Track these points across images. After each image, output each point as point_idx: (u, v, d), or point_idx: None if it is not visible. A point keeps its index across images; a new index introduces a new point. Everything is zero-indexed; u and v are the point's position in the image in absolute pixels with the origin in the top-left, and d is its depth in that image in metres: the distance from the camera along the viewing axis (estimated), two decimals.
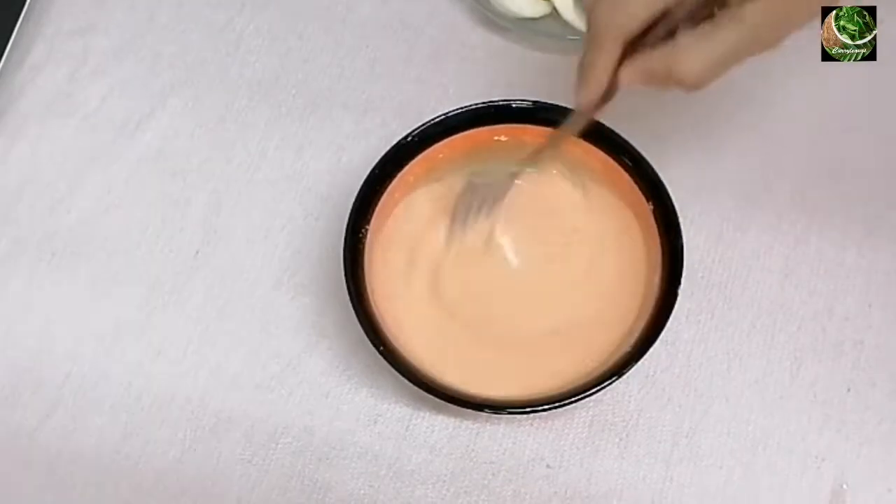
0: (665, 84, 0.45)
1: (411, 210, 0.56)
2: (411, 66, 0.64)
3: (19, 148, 0.62)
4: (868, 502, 0.52)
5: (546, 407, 0.48)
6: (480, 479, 0.53)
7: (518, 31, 0.63)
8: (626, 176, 0.53)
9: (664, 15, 0.45)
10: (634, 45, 0.46)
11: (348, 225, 0.52)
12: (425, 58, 0.64)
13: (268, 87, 0.64)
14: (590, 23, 0.46)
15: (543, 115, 0.54)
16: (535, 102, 0.54)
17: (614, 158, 0.53)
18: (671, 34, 0.45)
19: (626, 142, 0.53)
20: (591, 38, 0.46)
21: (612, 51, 0.46)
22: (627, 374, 0.49)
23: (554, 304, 0.54)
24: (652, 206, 0.52)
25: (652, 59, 0.45)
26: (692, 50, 0.44)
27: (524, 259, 0.55)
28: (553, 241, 0.55)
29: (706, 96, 0.60)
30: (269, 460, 0.54)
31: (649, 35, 0.46)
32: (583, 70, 0.47)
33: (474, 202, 0.54)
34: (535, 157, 0.54)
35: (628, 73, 0.46)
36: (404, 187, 0.55)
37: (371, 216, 0.53)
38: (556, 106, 0.54)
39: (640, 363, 0.49)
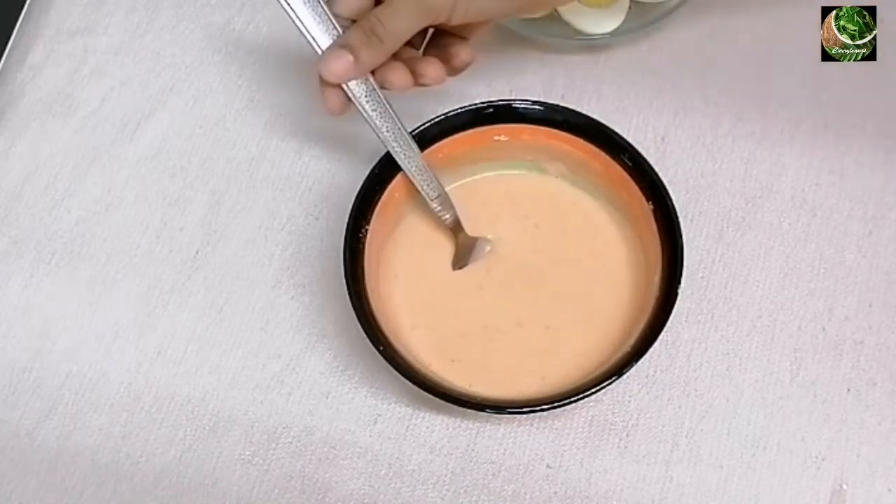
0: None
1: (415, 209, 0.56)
2: None
3: (19, 148, 0.62)
4: (868, 502, 0.52)
5: (546, 407, 0.48)
6: (480, 479, 0.53)
7: (518, 31, 0.63)
8: (626, 176, 0.53)
9: None
10: None
11: (348, 225, 0.52)
12: None
13: (268, 86, 0.64)
14: None
15: (543, 115, 0.54)
16: (535, 102, 0.54)
17: (614, 158, 0.53)
18: None
19: (626, 142, 0.53)
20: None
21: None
22: (627, 374, 0.49)
23: (554, 304, 0.54)
24: (652, 206, 0.52)
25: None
26: None
27: (524, 258, 0.55)
28: (552, 241, 0.55)
29: (706, 96, 0.61)
30: (269, 460, 0.54)
31: None
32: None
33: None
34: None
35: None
36: (404, 187, 0.54)
37: (371, 216, 0.53)
38: (557, 106, 0.54)
39: (640, 363, 0.49)
